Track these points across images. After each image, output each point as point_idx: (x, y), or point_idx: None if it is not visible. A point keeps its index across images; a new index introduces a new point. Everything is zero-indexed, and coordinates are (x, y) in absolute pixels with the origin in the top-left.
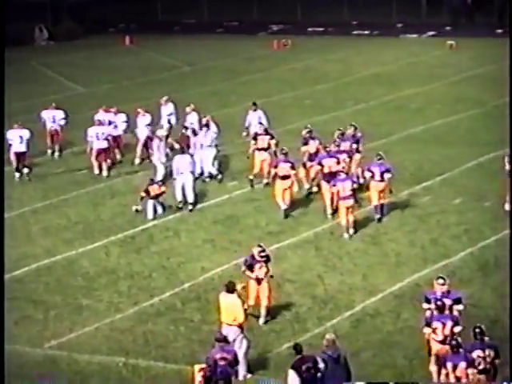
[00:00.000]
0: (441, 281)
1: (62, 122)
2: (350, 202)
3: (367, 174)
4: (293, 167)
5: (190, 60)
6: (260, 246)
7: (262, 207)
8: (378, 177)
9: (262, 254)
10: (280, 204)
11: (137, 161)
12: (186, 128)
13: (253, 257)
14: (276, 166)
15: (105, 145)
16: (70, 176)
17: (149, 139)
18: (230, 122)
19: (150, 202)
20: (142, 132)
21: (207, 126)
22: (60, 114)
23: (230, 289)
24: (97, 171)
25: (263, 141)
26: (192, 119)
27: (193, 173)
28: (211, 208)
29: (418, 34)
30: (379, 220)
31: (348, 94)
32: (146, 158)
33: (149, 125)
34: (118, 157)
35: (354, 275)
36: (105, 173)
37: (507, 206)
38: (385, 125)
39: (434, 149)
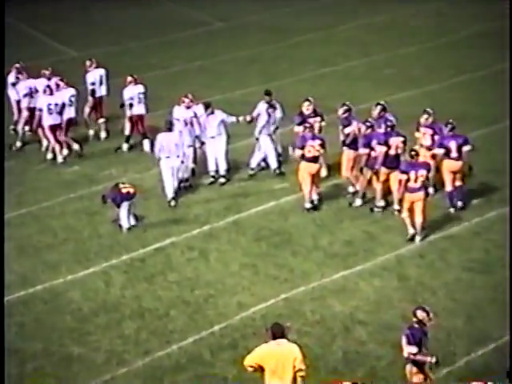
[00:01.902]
0: None
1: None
2: (421, 194)
3: (439, 151)
4: (323, 146)
5: (222, 14)
6: (424, 311)
7: (324, 219)
8: (454, 153)
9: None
10: (305, 193)
11: (49, 155)
12: (122, 105)
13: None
14: (303, 147)
15: (58, 120)
16: (55, 174)
17: (71, 122)
18: (278, 99)
19: (125, 205)
20: (67, 113)
21: (208, 106)
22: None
23: (279, 333)
24: (60, 159)
25: (315, 124)
26: (130, 94)
27: (180, 160)
28: (252, 219)
29: None
30: (455, 208)
31: (446, 60)
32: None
33: (71, 101)
34: (76, 147)
35: (454, 316)
36: (60, 158)
37: None
38: (499, 104)
39: None
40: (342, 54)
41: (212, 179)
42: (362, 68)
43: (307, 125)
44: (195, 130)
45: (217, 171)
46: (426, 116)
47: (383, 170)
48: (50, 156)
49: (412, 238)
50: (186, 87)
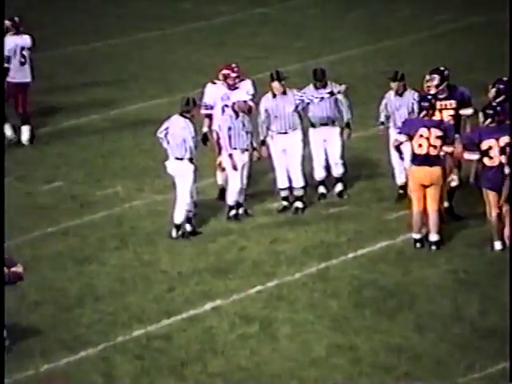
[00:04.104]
0: None
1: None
2: None
3: None
4: (445, 139)
5: None
6: None
7: (470, 271)
8: None
9: None
10: (413, 216)
11: None
12: (6, 70)
13: None
14: (409, 136)
15: None
16: (23, 194)
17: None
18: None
19: None
20: None
21: (278, 79)
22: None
23: None
24: None
25: (443, 112)
26: (8, 47)
27: (190, 161)
28: (349, 271)
29: None
30: None
31: None
32: None
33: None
34: None
35: None
36: None
37: None
38: None
39: None
40: None
41: (284, 203)
42: None
43: (425, 104)
44: (250, 125)
45: (290, 189)
46: None
47: None
48: None
49: None
50: (238, 49)
